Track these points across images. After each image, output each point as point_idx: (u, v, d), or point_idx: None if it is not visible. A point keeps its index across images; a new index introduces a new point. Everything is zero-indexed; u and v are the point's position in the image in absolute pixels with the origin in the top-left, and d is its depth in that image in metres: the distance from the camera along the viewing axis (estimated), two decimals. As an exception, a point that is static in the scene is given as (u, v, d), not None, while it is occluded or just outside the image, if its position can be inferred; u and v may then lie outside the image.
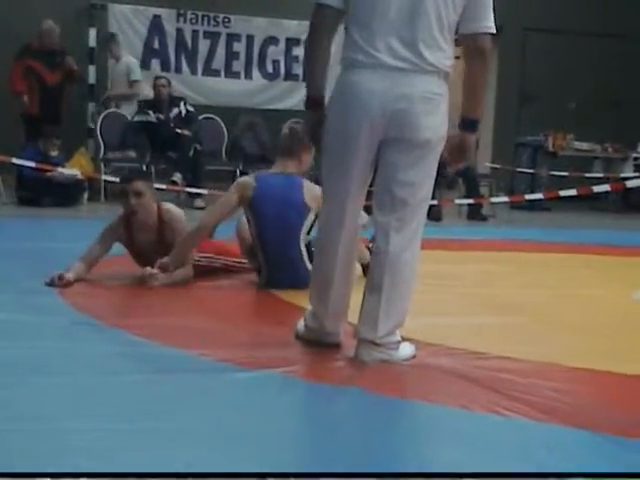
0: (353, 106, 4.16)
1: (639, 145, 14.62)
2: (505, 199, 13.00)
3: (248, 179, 6.20)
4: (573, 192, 12.04)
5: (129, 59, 12.63)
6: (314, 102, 4.37)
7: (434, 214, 11.18)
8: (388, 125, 4.14)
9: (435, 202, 11.07)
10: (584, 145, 14.35)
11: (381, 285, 4.22)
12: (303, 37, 13.13)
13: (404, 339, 4.37)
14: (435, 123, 4.18)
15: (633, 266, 8.20)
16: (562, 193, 12.00)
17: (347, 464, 3.08)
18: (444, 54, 4.15)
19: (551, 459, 3.28)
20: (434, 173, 4.31)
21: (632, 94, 14.98)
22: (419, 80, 4.12)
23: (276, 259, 6.01)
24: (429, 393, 4.04)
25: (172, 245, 6.00)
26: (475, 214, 12.11)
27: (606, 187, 12.57)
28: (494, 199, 12.79)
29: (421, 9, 4.07)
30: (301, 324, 4.62)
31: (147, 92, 12.51)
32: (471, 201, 11.99)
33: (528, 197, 12.85)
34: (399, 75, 4.11)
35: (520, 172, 14.35)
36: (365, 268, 5.55)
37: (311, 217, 5.94)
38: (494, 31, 4.19)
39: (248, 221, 6.10)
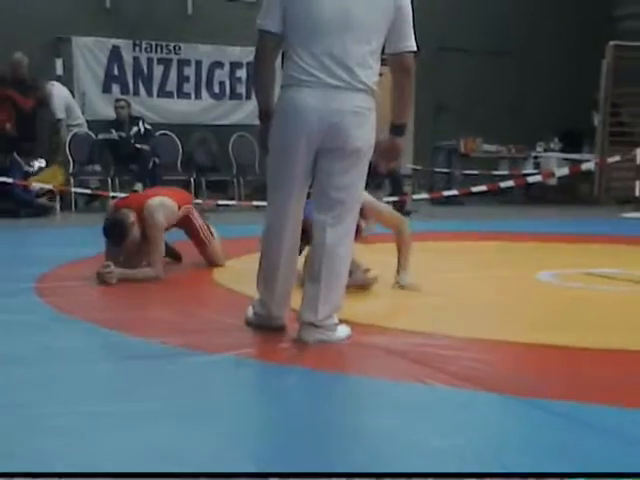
0: (293, 120, 4.17)
1: (537, 146, 14.79)
2: (425, 196, 13.08)
3: None
4: (483, 188, 12.17)
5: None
6: (264, 115, 4.39)
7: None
8: (324, 137, 4.15)
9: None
10: (491, 147, 14.49)
11: (320, 274, 4.23)
12: (245, 61, 13.21)
13: (341, 321, 4.36)
14: (365, 134, 4.20)
15: (535, 250, 8.27)
16: (474, 189, 12.12)
17: (296, 432, 3.09)
18: (372, 72, 4.19)
19: (468, 420, 3.30)
20: (365, 177, 4.34)
21: (529, 102, 15.13)
22: (351, 96, 4.14)
23: None
24: (364, 368, 4.05)
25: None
26: (400, 210, 12.13)
27: (511, 183, 12.68)
28: (416, 196, 12.88)
29: (351, 34, 4.10)
30: (250, 311, 4.60)
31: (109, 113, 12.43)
32: (396, 199, 12.01)
33: (445, 193, 12.96)
34: (334, 92, 4.12)
35: (437, 172, 14.46)
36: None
37: None
38: (415, 49, 4.25)
39: None
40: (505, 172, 14.03)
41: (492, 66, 15.16)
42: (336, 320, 4.33)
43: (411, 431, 3.11)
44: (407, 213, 12.04)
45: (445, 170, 14.32)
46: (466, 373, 3.85)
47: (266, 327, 4.49)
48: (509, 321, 5.15)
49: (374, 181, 11.74)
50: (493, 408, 3.50)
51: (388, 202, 12.12)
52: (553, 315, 5.29)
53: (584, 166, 13.63)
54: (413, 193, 13.23)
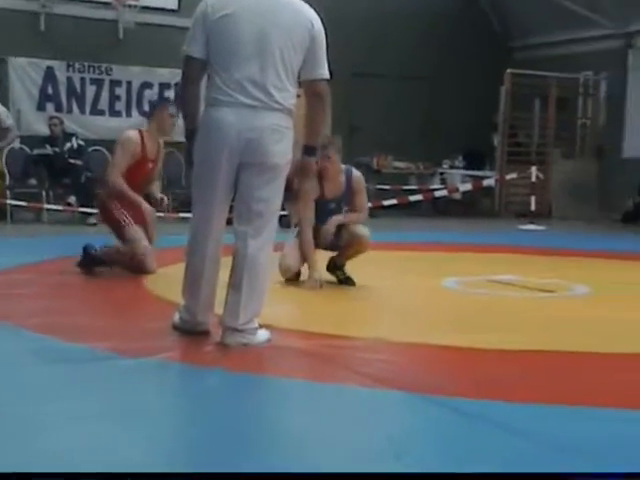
0: (215, 136, 4.20)
1: (443, 163, 14.94)
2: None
3: None
4: (394, 201, 12.22)
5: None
6: (190, 133, 4.37)
7: (285, 223, 11.13)
8: (243, 152, 4.16)
9: (285, 213, 11.04)
10: (401, 164, 14.57)
11: (241, 282, 4.21)
12: (173, 82, 13.05)
13: (261, 325, 4.33)
14: (282, 150, 4.22)
15: (441, 259, 8.34)
16: (385, 203, 12.17)
17: (217, 432, 3.05)
18: (289, 94, 4.22)
19: (381, 419, 3.30)
20: (283, 189, 4.34)
21: (436, 124, 15.28)
22: (268, 115, 4.17)
23: None
24: (283, 370, 4.03)
25: None
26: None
27: (419, 197, 12.79)
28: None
29: (269, 59, 4.16)
30: (176, 317, 4.53)
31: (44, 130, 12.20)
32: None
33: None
34: (252, 111, 4.15)
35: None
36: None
37: None
38: (328, 77, 4.31)
39: None
40: (414, 187, 14.12)
41: (403, 90, 15.28)
42: (257, 324, 4.29)
43: (327, 431, 3.09)
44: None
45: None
46: (379, 374, 3.85)
47: (191, 332, 4.43)
48: (419, 325, 5.17)
49: (292, 194, 11.72)
50: (404, 407, 3.49)
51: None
52: (458, 319, 5.33)
53: (485, 182, 13.84)
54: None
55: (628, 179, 13.78)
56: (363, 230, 6.29)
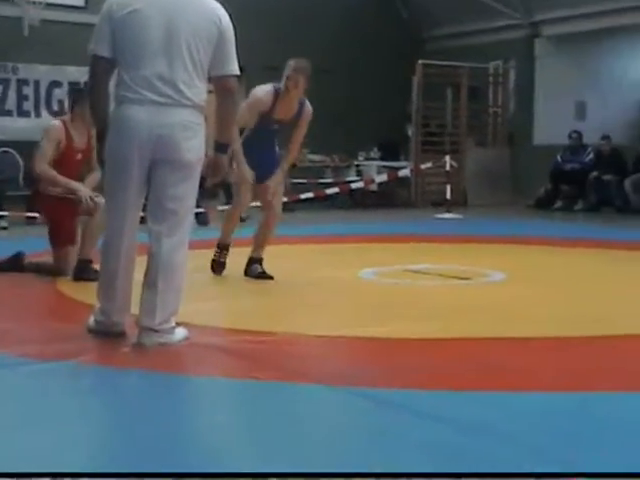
0: (125, 135, 4.15)
1: (359, 155, 15.04)
2: (257, 204, 13.05)
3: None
4: (310, 195, 12.24)
5: None
6: (100, 133, 4.32)
7: (202, 219, 11.10)
8: (154, 148, 4.12)
9: (202, 210, 11.00)
10: (317, 157, 14.61)
11: (156, 281, 4.15)
12: (83, 80, 12.80)
13: (178, 324, 4.29)
14: (194, 146, 4.19)
15: (359, 250, 8.39)
16: (302, 196, 12.18)
17: (134, 433, 3.02)
18: (198, 90, 4.19)
19: (298, 412, 3.31)
20: (197, 187, 4.31)
21: (350, 116, 15.33)
22: (178, 112, 4.14)
23: None
24: (200, 368, 3.99)
25: None
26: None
27: (336, 189, 12.85)
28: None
29: (177, 55, 4.12)
30: (92, 319, 4.45)
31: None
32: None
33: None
34: (162, 108, 4.12)
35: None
36: None
37: None
38: (238, 73, 4.30)
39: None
40: (330, 180, 14.18)
41: (316, 83, 15.29)
42: (173, 323, 4.24)
43: (246, 428, 3.09)
44: (242, 219, 12.03)
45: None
46: (298, 368, 3.86)
47: (107, 333, 4.35)
48: (336, 317, 5.17)
49: (209, 191, 11.69)
50: (320, 399, 3.49)
51: (223, 210, 12.10)
52: (376, 309, 5.34)
53: (401, 173, 13.97)
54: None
55: (540, 165, 14.08)
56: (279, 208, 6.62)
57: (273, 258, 6.41)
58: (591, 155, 13.92)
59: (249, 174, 6.28)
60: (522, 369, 3.92)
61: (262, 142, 6.40)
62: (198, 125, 4.21)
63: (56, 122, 6.51)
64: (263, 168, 6.36)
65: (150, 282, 4.18)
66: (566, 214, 13.24)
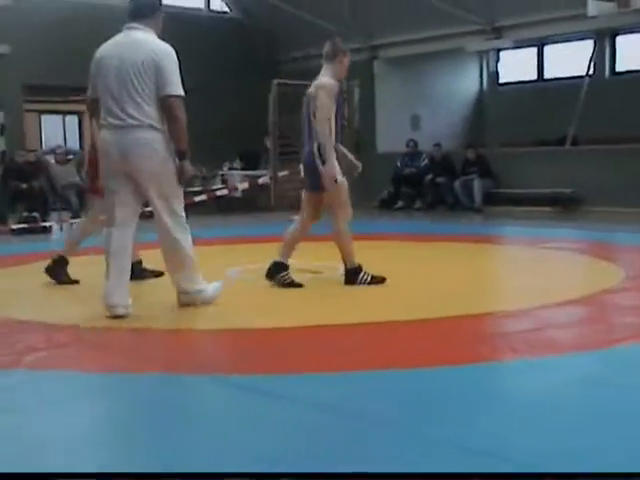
0: (106, 152, 4.94)
1: (223, 165, 15.09)
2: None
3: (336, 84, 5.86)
4: (203, 197, 12.16)
5: None
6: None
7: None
8: (125, 163, 4.82)
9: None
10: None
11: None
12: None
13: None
14: (153, 160, 4.82)
15: (225, 252, 8.45)
16: (197, 199, 12.08)
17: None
18: (146, 113, 4.82)
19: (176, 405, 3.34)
20: (176, 187, 4.96)
21: (215, 130, 15.31)
22: (134, 132, 4.80)
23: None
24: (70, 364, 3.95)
25: None
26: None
27: (204, 197, 12.82)
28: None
29: (125, 88, 4.83)
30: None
31: None
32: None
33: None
34: (123, 130, 4.82)
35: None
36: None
37: None
38: (181, 93, 4.89)
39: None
40: (199, 188, 14.14)
41: (191, 102, 15.20)
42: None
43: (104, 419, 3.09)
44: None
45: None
46: (179, 360, 3.87)
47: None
48: (198, 313, 5.10)
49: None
50: (182, 387, 3.49)
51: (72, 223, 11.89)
52: (240, 305, 5.37)
53: (261, 180, 14.07)
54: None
55: (383, 170, 14.47)
56: None
57: (151, 263, 6.37)
58: (426, 161, 14.42)
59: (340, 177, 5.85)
60: (366, 349, 4.03)
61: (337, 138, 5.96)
62: (154, 141, 4.82)
63: None
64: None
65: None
66: (406, 213, 13.65)
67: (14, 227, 11.29)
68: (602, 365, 3.69)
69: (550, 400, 3.15)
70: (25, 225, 11.29)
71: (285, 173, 14.10)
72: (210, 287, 5.15)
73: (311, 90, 5.94)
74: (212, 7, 17.23)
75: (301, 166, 6.22)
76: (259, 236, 9.77)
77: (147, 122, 4.81)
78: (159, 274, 6.18)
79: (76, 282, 6.25)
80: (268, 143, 15.00)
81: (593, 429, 2.80)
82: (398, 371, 3.57)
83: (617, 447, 2.61)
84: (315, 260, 7.19)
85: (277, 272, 5.95)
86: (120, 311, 4.75)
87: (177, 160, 4.90)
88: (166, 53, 4.89)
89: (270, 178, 14.48)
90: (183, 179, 4.98)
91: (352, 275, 5.96)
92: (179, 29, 15.68)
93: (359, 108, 16.07)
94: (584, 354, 3.87)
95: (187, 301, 5.04)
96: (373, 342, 4.22)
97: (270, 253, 7.99)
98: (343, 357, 3.88)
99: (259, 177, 14.33)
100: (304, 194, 6.20)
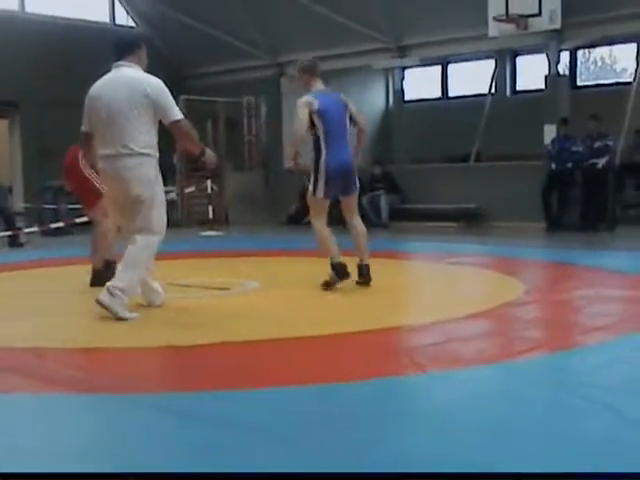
0: (105, 181, 5.66)
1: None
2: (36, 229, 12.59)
3: (309, 97, 6.36)
4: (86, 218, 11.87)
5: None
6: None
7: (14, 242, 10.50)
8: (117, 189, 5.37)
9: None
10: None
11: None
12: None
13: None
14: (143, 185, 5.30)
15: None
16: (78, 220, 11.84)
17: None
18: (144, 143, 5.27)
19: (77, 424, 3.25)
20: (158, 206, 5.47)
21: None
22: (125, 160, 5.25)
23: (337, 143, 6.38)
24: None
25: None
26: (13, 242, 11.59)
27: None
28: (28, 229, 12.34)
29: (117, 122, 5.26)
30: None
31: None
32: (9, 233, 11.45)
33: (54, 226, 12.56)
34: (115, 159, 5.29)
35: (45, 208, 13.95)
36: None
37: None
38: (178, 117, 5.33)
39: (314, 126, 6.32)
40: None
41: (78, 116, 14.89)
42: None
43: (23, 439, 3.00)
44: (20, 244, 11.55)
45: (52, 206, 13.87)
46: (67, 379, 3.78)
47: None
48: (101, 330, 5.03)
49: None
50: (93, 409, 3.43)
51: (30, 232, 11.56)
52: (142, 321, 5.25)
53: (168, 196, 13.83)
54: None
55: (290, 186, 14.49)
56: None
57: (53, 278, 6.20)
58: (332, 177, 14.47)
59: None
60: (274, 368, 3.96)
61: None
62: (141, 165, 5.27)
63: None
64: None
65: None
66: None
67: None
68: (504, 378, 3.73)
69: (454, 413, 3.15)
70: None
71: (192, 189, 13.98)
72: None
73: (341, 97, 6.53)
74: (118, 21, 16.96)
75: (325, 171, 6.40)
76: (166, 252, 9.58)
77: (140, 152, 5.26)
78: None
79: None
80: (175, 160, 14.84)
81: (493, 440, 2.82)
82: (296, 388, 3.55)
83: (517, 457, 2.63)
84: (220, 276, 7.13)
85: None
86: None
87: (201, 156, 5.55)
88: (158, 87, 5.36)
89: (177, 194, 14.33)
90: (210, 164, 5.70)
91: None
92: (84, 43, 15.45)
93: (266, 124, 16.07)
94: (486, 367, 3.90)
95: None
96: (276, 358, 4.18)
97: (177, 270, 7.91)
98: (241, 375, 3.84)
99: (167, 193, 14.12)
100: (325, 200, 6.56)
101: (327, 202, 6.55)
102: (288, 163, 6.76)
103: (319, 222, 6.53)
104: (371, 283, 6.46)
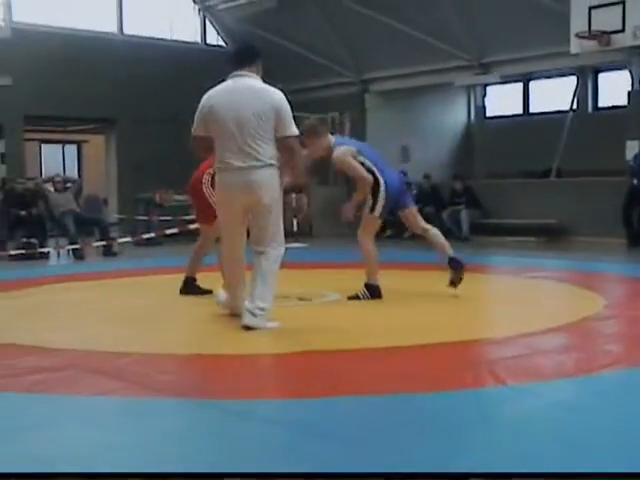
0: (225, 192, 5.23)
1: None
2: (129, 239, 12.90)
3: (343, 147, 6.54)
4: (175, 230, 12.17)
5: None
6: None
7: (79, 254, 10.87)
8: (243, 197, 5.12)
9: (79, 245, 10.73)
10: (182, 197, 14.50)
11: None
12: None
13: None
14: (272, 195, 5.13)
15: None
16: (168, 232, 12.09)
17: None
18: (266, 152, 5.10)
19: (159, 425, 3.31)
20: (280, 217, 5.25)
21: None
22: (255, 171, 5.08)
23: (386, 169, 6.70)
24: (74, 388, 3.87)
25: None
26: (108, 251, 11.91)
27: (197, 225, 12.78)
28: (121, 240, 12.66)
29: (246, 134, 5.09)
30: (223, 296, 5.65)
31: None
32: (104, 243, 11.76)
33: (145, 236, 12.84)
34: (245, 170, 5.08)
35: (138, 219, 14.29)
36: None
37: None
38: (294, 134, 5.20)
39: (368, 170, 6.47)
40: (193, 216, 14.09)
41: (168, 132, 15.23)
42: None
43: (114, 443, 3.04)
44: (114, 254, 11.86)
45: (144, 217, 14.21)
46: (156, 384, 3.84)
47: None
48: (182, 337, 5.12)
49: (84, 228, 11.50)
50: (180, 412, 3.45)
51: (98, 247, 11.89)
52: (227, 331, 5.31)
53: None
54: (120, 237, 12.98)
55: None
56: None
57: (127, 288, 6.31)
58: (415, 191, 14.42)
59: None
60: (357, 377, 3.96)
61: None
62: (271, 176, 5.12)
63: None
64: None
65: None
66: (395, 242, 13.62)
67: (12, 253, 11.25)
68: (584, 391, 3.66)
69: (533, 425, 3.11)
70: (23, 251, 11.25)
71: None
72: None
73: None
74: (208, 41, 17.32)
75: (384, 194, 6.59)
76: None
77: (268, 162, 5.11)
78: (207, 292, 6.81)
79: (209, 292, 6.74)
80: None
81: (571, 453, 2.77)
82: (378, 397, 3.54)
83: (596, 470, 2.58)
84: (301, 287, 7.16)
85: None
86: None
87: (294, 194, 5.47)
88: (283, 100, 5.19)
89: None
90: (302, 213, 5.69)
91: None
92: (176, 63, 15.84)
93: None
94: (566, 380, 3.84)
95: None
96: (359, 367, 4.18)
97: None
98: (328, 383, 3.83)
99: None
100: (379, 220, 6.73)
101: (380, 222, 6.72)
102: (348, 213, 6.72)
103: (370, 241, 6.62)
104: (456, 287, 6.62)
